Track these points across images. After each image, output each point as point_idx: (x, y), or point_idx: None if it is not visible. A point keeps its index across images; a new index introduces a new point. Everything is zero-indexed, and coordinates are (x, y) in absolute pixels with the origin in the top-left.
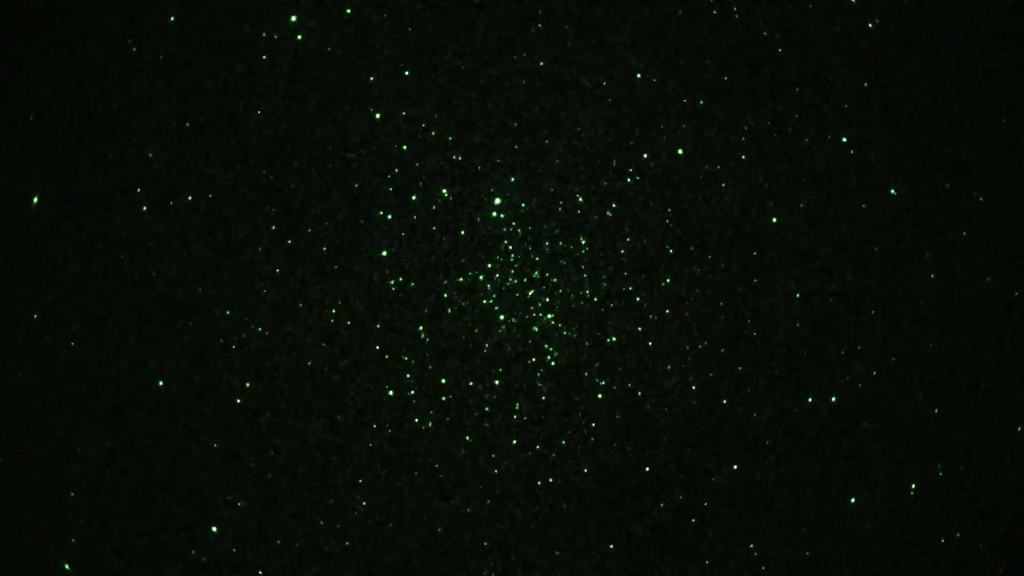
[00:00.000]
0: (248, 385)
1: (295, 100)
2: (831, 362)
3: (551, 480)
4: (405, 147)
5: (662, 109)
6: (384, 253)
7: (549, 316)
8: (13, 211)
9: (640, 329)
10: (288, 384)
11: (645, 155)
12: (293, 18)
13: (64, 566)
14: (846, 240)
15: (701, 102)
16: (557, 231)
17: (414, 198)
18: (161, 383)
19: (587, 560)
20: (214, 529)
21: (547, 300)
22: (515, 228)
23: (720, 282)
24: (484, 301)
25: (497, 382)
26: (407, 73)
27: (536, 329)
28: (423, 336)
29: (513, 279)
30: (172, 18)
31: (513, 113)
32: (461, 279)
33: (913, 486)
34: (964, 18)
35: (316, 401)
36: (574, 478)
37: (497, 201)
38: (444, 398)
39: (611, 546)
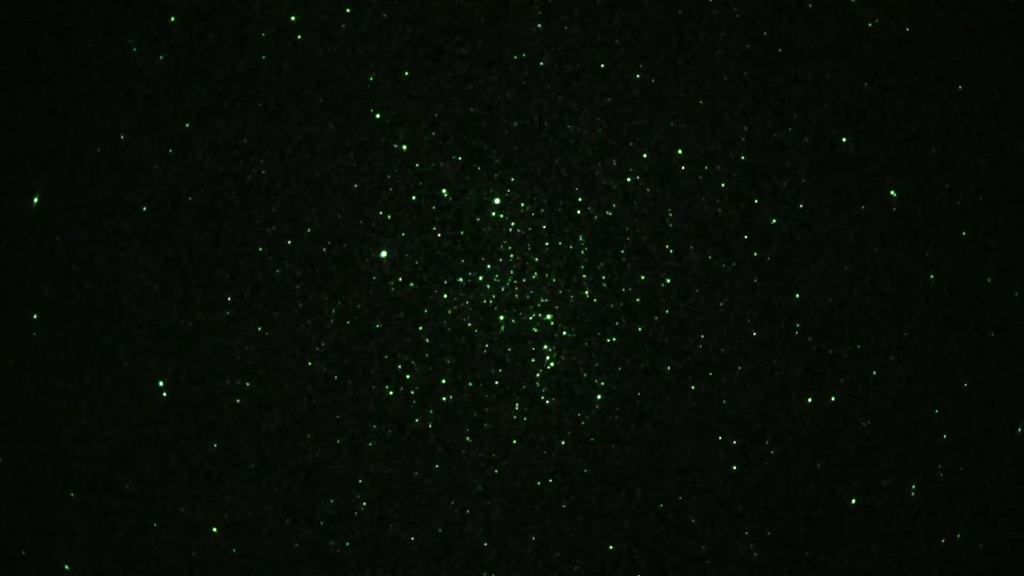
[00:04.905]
0: (248, 385)
1: (295, 100)
2: (831, 362)
3: (551, 480)
4: (405, 147)
5: (662, 109)
6: (384, 253)
7: (549, 316)
8: (13, 211)
9: (640, 329)
10: (288, 384)
11: (645, 155)
12: (293, 18)
13: (64, 566)
14: (846, 240)
15: (701, 102)
16: (557, 231)
17: (414, 198)
18: (161, 383)
19: (587, 560)
20: (214, 529)
21: (547, 300)
22: (515, 228)
23: (720, 282)
24: (484, 301)
25: (497, 382)
26: (407, 73)
27: (536, 329)
28: (423, 336)
29: (513, 279)
30: (172, 18)
31: (513, 113)
32: (461, 279)
33: (913, 486)
34: (964, 18)
35: (316, 401)
36: (574, 478)
37: (497, 201)
38: (444, 398)
39: (611, 546)
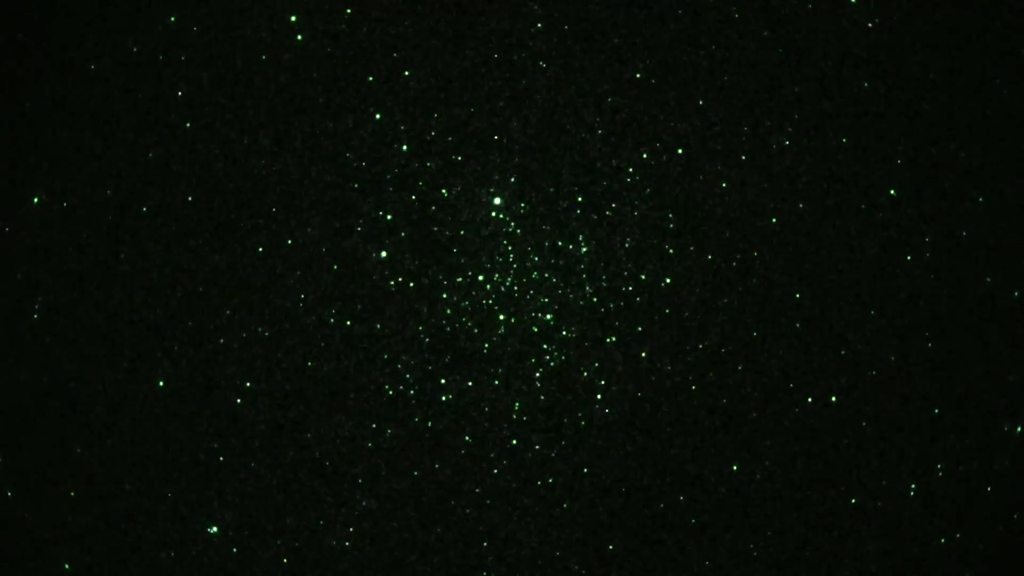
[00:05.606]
0: (248, 385)
1: (295, 100)
2: (831, 362)
3: (551, 480)
4: (405, 147)
5: (662, 109)
6: (384, 253)
7: (549, 316)
8: (13, 211)
9: (640, 329)
10: (288, 384)
11: (645, 155)
12: (293, 18)
13: (64, 566)
14: (846, 240)
15: (701, 102)
16: (557, 231)
17: (414, 198)
18: (161, 383)
19: (587, 560)
20: (214, 529)
21: (547, 300)
22: (515, 228)
23: (720, 282)
24: (484, 301)
25: (497, 382)
26: (407, 73)
27: (536, 329)
28: (423, 336)
29: (513, 279)
30: (172, 18)
31: (513, 113)
32: (461, 279)
33: (913, 486)
34: (964, 17)
35: (316, 401)
36: (574, 478)
37: (497, 201)
38: (444, 398)
39: (611, 546)
